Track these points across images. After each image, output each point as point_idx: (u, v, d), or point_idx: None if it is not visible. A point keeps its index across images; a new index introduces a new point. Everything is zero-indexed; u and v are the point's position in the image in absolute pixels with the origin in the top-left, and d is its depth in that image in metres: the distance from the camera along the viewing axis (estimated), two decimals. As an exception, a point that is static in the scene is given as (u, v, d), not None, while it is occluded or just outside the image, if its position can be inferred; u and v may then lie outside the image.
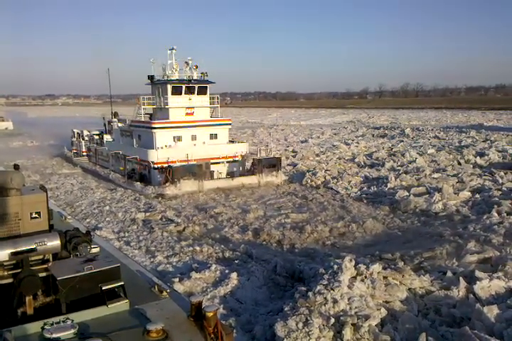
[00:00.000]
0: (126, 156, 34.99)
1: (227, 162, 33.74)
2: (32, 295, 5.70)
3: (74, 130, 51.23)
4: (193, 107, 34.47)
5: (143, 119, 34.93)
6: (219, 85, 36.23)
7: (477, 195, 25.79)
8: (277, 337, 10.78)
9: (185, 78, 34.23)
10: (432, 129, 69.13)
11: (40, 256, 6.04)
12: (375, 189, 29.41)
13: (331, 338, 10.70)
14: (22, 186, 6.51)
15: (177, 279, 14.52)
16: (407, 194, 26.64)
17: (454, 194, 26.20)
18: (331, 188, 30.43)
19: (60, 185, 34.28)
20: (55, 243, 5.99)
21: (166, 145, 32.85)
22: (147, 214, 24.60)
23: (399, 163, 37.27)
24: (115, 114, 46.34)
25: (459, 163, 36.48)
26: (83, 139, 48.25)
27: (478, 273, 13.47)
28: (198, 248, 18.40)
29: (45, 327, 5.02)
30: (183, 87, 33.76)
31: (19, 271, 5.71)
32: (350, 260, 13.77)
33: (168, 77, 34.08)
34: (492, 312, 11.30)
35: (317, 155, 43.90)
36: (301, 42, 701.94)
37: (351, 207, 25.35)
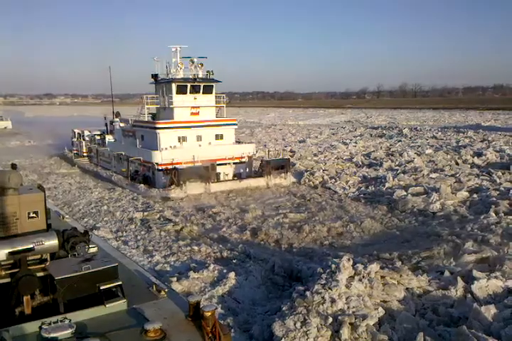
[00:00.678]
0: (129, 157, 33.96)
1: (234, 163, 32.84)
2: (30, 294, 5.69)
3: (74, 130, 50.18)
4: (199, 107, 33.46)
5: (146, 119, 34.14)
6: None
7: (475, 195, 25.84)
8: (275, 336, 10.79)
9: (190, 77, 33.14)
10: (430, 129, 69.21)
11: (38, 256, 6.03)
12: (373, 189, 29.46)
13: (329, 338, 10.71)
14: (19, 185, 6.49)
15: (175, 279, 14.52)
16: (405, 194, 26.69)
17: (451, 194, 26.26)
18: (329, 188, 30.47)
19: (58, 185, 34.24)
20: (52, 242, 5.99)
21: (170, 146, 31.88)
22: (145, 213, 24.58)
23: (397, 163, 37.31)
24: (117, 114, 44.99)
25: (457, 163, 36.52)
26: (84, 139, 47.32)
27: (475, 273, 13.50)
28: (195, 247, 18.40)
29: (43, 326, 5.01)
30: (188, 85, 32.73)
31: (17, 270, 5.69)
32: (348, 259, 13.79)
33: (172, 75, 33.12)
34: (489, 311, 11.33)
35: (315, 155, 43.90)
36: (299, 42, 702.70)
37: (349, 207, 25.40)
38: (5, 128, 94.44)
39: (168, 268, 16.36)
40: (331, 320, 11.01)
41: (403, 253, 16.62)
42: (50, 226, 6.68)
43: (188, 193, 28.65)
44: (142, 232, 21.43)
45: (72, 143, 50.74)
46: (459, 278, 13.15)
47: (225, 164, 32.29)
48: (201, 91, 33.26)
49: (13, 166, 7.06)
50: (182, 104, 32.77)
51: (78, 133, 48.84)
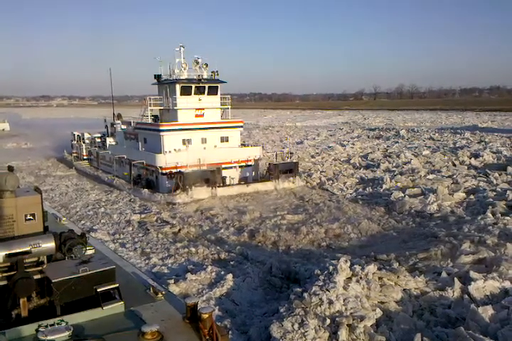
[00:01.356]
0: (132, 161, 32.83)
1: (240, 167, 31.76)
2: (26, 297, 5.67)
3: (74, 132, 49.21)
4: (203, 108, 32.40)
5: (149, 121, 33.03)
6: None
7: (472, 196, 25.92)
8: (273, 338, 10.79)
9: (194, 77, 32.08)
10: (427, 130, 69.37)
11: (35, 258, 6.01)
12: (371, 190, 29.52)
13: (327, 339, 10.71)
14: (16, 188, 6.47)
15: (172, 281, 14.53)
16: (402, 195, 26.75)
17: (448, 195, 26.33)
18: (327, 189, 30.49)
19: (55, 187, 34.20)
20: (49, 245, 5.97)
21: (175, 149, 30.77)
22: (142, 215, 24.57)
23: (394, 164, 37.40)
24: (118, 116, 43.77)
25: (454, 164, 36.64)
26: (84, 142, 46.35)
27: (472, 274, 13.54)
28: (193, 249, 18.40)
29: (40, 329, 4.99)
30: (193, 86, 31.70)
31: (14, 273, 5.68)
32: (346, 261, 13.82)
33: (176, 76, 32.04)
34: (487, 312, 11.36)
35: (312, 156, 43.95)
36: (296, 44, 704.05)
37: (346, 208, 25.38)
38: (3, 130, 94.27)
39: (166, 271, 16.36)
40: (328, 321, 11.02)
41: (400, 254, 16.65)
42: (47, 229, 6.67)
43: (194, 198, 27.54)
44: (139, 234, 21.41)
45: (71, 145, 49.85)
46: (456, 279, 13.18)
47: (231, 168, 31.22)
48: (206, 92, 32.28)
49: (10, 168, 7.03)
50: (186, 105, 31.81)
51: (78, 135, 47.90)
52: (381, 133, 69.41)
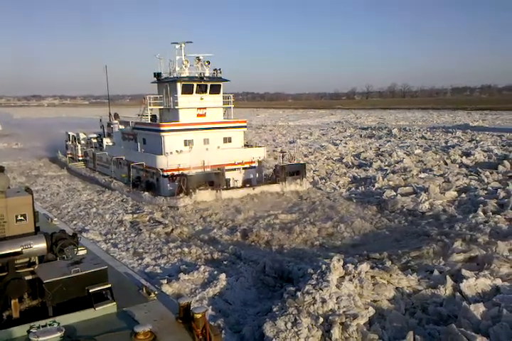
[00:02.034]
0: (130, 162, 31.45)
1: (243, 168, 30.48)
2: (18, 298, 5.64)
3: (69, 133, 47.53)
4: (205, 108, 31.10)
5: (149, 121, 31.67)
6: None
7: (463, 195, 26.10)
8: (266, 337, 10.80)
9: (196, 75, 30.59)
10: (419, 129, 69.81)
11: (26, 259, 5.98)
12: (363, 189, 29.63)
13: (320, 338, 10.75)
14: (7, 188, 6.44)
15: (165, 281, 14.49)
16: (395, 194, 26.87)
17: (440, 193, 26.50)
18: (320, 188, 30.54)
19: (46, 187, 33.98)
20: (40, 245, 5.94)
21: (177, 151, 29.46)
22: (135, 215, 24.48)
23: (386, 163, 37.59)
24: (115, 116, 41.87)
25: (446, 163, 36.89)
26: (79, 143, 44.83)
27: (464, 272, 13.65)
28: (186, 249, 18.36)
29: (32, 330, 4.96)
30: (195, 85, 30.29)
31: (5, 274, 5.64)
32: (339, 260, 13.87)
33: (177, 74, 30.58)
34: (478, 310, 11.44)
35: (305, 155, 44.02)
36: (289, 43, 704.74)
37: (340, 207, 25.30)
38: None
39: (159, 271, 16.32)
40: (321, 320, 11.05)
41: (393, 252, 16.73)
42: (39, 229, 6.63)
43: (198, 201, 26.30)
44: (132, 234, 21.34)
45: (66, 146, 48.17)
46: (448, 277, 13.27)
47: (234, 169, 29.99)
48: (208, 90, 31.00)
49: (0, 169, 6.98)
50: (188, 104, 30.53)
51: (73, 136, 46.21)
52: (373, 132, 69.72)
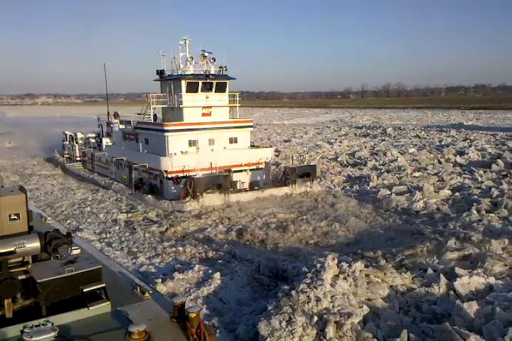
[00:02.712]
0: (132, 163, 30.34)
1: (250, 170, 29.36)
2: (11, 298, 5.61)
3: (66, 132, 46.51)
4: (211, 107, 29.84)
5: (152, 120, 30.39)
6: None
7: (457, 194, 26.24)
8: (261, 336, 10.81)
9: (201, 73, 29.28)
10: (413, 129, 70.06)
11: (20, 259, 5.94)
12: (358, 188, 29.70)
13: (314, 336, 10.77)
14: (0, 187, 6.40)
15: (160, 280, 14.47)
16: (389, 192, 26.96)
17: (434, 192, 26.62)
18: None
19: (40, 186, 33.81)
20: (34, 245, 5.90)
21: (181, 151, 28.23)
22: (129, 215, 24.40)
23: (381, 162, 37.69)
24: (115, 115, 40.50)
25: (440, 162, 37.04)
26: (77, 143, 43.83)
27: (458, 270, 13.73)
28: (180, 248, 18.33)
29: (25, 330, 4.94)
30: (200, 83, 29.02)
31: (-2, 273, 5.61)
32: (333, 258, 13.90)
33: (181, 71, 29.30)
34: (472, 308, 11.52)
35: (300, 154, 43.99)
36: (284, 42, 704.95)
37: (339, 206, 25.05)
38: None
39: (153, 270, 16.28)
40: (316, 318, 11.07)
41: (387, 251, 16.79)
42: (32, 229, 6.59)
43: (205, 205, 25.09)
44: (126, 234, 21.27)
45: (63, 146, 47.27)
46: (441, 276, 13.34)
47: (241, 171, 28.87)
48: (214, 89, 29.74)
49: (-7, 168, 6.94)
50: (192, 103, 29.23)
51: (70, 135, 45.18)
52: (368, 131, 69.88)
